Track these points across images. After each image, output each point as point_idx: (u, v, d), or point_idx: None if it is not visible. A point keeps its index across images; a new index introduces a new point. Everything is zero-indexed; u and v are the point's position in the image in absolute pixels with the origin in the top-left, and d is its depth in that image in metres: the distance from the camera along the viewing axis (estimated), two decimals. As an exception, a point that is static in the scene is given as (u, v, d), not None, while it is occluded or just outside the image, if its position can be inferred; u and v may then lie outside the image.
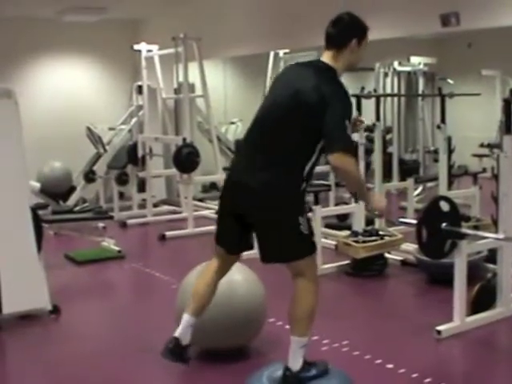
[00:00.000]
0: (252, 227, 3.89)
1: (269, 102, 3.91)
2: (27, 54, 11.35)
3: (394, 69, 12.40)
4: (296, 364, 3.84)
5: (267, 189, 3.72)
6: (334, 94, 3.65)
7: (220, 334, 4.56)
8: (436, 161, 9.76)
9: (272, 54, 11.16)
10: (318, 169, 10.29)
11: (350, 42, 3.80)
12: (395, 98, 12.44)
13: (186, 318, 4.03)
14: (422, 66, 12.63)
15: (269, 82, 11.06)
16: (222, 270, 4.12)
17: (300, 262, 3.82)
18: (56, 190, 10.35)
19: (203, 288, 4.07)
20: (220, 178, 9.48)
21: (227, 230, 4.00)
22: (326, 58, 3.84)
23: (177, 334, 4.01)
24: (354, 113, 4.12)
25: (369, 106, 8.45)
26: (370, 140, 9.26)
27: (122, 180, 10.60)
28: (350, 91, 8.35)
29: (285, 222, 3.77)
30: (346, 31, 3.85)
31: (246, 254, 6.34)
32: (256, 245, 3.97)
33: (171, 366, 4.41)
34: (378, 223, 7.55)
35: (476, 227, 6.97)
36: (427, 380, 4.29)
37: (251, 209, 3.80)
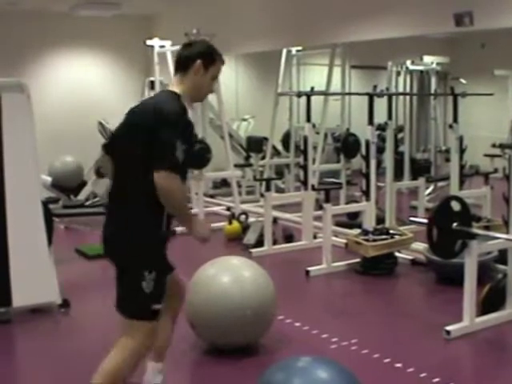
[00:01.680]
0: None
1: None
2: (41, 48, 11.40)
3: (407, 68, 12.38)
4: None
5: (114, 237, 3.66)
6: (169, 114, 3.40)
7: (229, 331, 4.56)
8: (447, 160, 9.73)
9: (285, 51, 11.14)
10: (329, 166, 10.30)
11: (194, 63, 3.57)
12: (407, 97, 12.42)
13: (151, 365, 4.00)
14: (434, 66, 12.60)
15: (281, 80, 11.05)
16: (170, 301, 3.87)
17: (132, 321, 3.54)
18: (67, 185, 10.37)
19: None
20: (231, 174, 9.49)
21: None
22: (173, 85, 3.65)
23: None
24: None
25: (381, 104, 8.43)
26: (382, 139, 9.27)
27: (133, 175, 10.60)
28: (363, 90, 8.34)
29: (127, 271, 3.57)
30: (193, 53, 3.60)
31: (255, 251, 6.37)
32: None
33: (180, 361, 4.43)
34: (389, 222, 7.55)
35: (487, 227, 6.95)
36: (435, 380, 4.28)
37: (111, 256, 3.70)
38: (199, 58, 3.57)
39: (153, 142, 3.34)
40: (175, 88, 3.59)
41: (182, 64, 3.61)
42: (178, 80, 3.61)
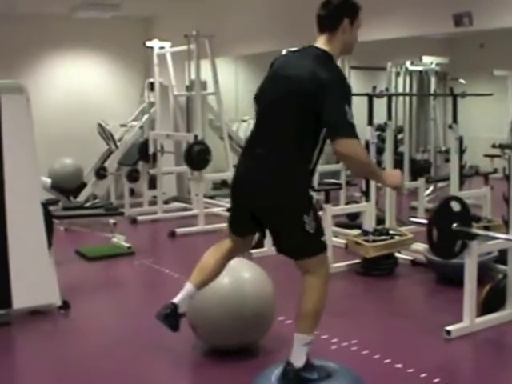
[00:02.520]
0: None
1: (266, 97, 3.84)
2: (40, 50, 11.40)
3: (406, 68, 12.37)
4: (298, 361, 3.77)
5: (268, 185, 3.68)
6: (331, 81, 3.56)
7: (229, 332, 4.56)
8: (447, 161, 9.74)
9: (284, 52, 11.14)
10: (329, 167, 10.29)
11: (341, 23, 3.69)
12: (407, 98, 12.41)
13: (190, 287, 3.97)
14: (434, 66, 12.59)
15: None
16: (234, 251, 4.07)
17: (307, 261, 3.76)
18: (67, 186, 10.38)
19: (213, 263, 4.01)
20: (231, 175, 9.48)
21: (239, 222, 3.96)
22: (320, 43, 3.75)
23: (176, 300, 3.93)
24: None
25: (380, 105, 8.44)
26: (382, 139, 9.26)
27: (133, 177, 10.63)
28: (362, 90, 8.34)
29: (287, 221, 3.71)
30: (337, 12, 3.71)
31: (255, 252, 6.36)
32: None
33: (181, 362, 4.43)
34: (389, 222, 7.56)
35: (487, 228, 6.94)
36: (436, 380, 4.28)
37: (256, 206, 3.77)
38: (346, 17, 3.69)
39: (319, 110, 3.52)
40: (325, 47, 3.70)
41: (329, 23, 3.71)
42: (325, 39, 3.73)
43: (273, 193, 3.67)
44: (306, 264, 3.78)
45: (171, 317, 3.92)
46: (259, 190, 3.70)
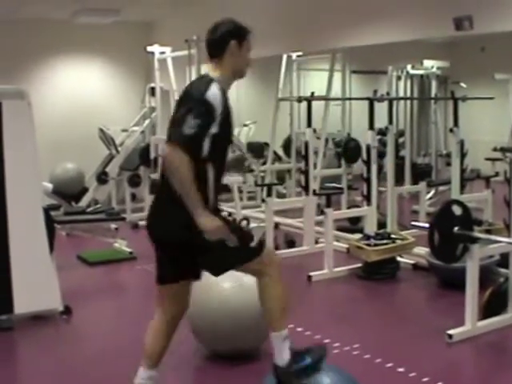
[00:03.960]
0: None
1: None
2: (41, 55, 11.41)
3: (407, 72, 12.39)
4: (283, 359, 3.71)
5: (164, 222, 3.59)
6: (190, 94, 3.53)
7: (230, 337, 4.56)
8: (448, 164, 9.74)
9: (285, 56, 11.15)
10: (330, 171, 10.28)
11: (228, 46, 3.68)
12: (408, 102, 12.43)
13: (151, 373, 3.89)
14: (434, 70, 12.60)
15: (282, 85, 11.05)
16: (173, 315, 3.92)
17: (247, 266, 3.69)
18: (68, 191, 10.38)
19: (152, 340, 3.91)
20: (232, 180, 9.48)
21: (173, 262, 3.77)
22: (209, 69, 3.71)
23: None
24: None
25: (381, 109, 8.44)
26: (383, 143, 9.26)
27: (135, 181, 10.63)
28: (363, 94, 8.33)
29: (209, 247, 3.54)
30: (223, 36, 3.73)
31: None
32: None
33: (181, 367, 4.43)
34: (390, 226, 7.56)
35: (488, 231, 6.94)
36: (438, 384, 4.29)
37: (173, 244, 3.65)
38: (232, 39, 3.70)
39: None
40: (212, 73, 3.64)
41: (216, 48, 3.69)
42: (214, 65, 3.67)
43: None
44: (248, 270, 3.73)
45: None
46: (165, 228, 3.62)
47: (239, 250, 3.63)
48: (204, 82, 3.57)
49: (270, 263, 3.71)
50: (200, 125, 3.38)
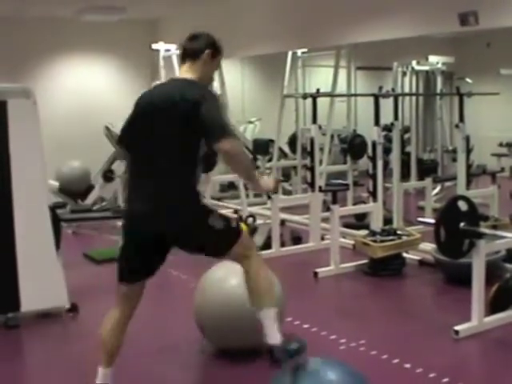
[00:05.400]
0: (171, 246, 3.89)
1: (143, 135, 3.85)
2: (46, 53, 11.42)
3: (412, 68, 12.36)
4: (276, 338, 3.71)
5: (170, 210, 3.68)
6: (202, 95, 3.65)
7: (237, 334, 4.56)
8: (454, 160, 9.72)
9: (290, 53, 11.14)
10: (336, 168, 10.27)
11: (203, 54, 3.88)
12: (413, 98, 12.41)
13: (106, 371, 3.96)
14: (440, 66, 12.58)
15: (287, 82, 11.04)
16: (126, 312, 4.14)
17: (234, 250, 3.80)
18: (74, 189, 10.38)
19: (110, 337, 4.06)
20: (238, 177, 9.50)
21: (139, 257, 3.95)
22: (182, 72, 3.92)
23: None
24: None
25: (387, 105, 8.43)
26: (389, 139, 9.26)
27: (140, 179, 10.61)
28: (369, 91, 8.29)
29: (200, 232, 3.74)
30: (201, 44, 3.92)
31: (263, 253, 6.33)
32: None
33: (189, 364, 4.44)
34: (396, 222, 7.55)
35: (494, 227, 6.94)
36: (444, 380, 4.28)
37: (166, 232, 3.76)
38: (208, 49, 3.89)
39: (195, 122, 3.57)
40: (186, 76, 3.85)
41: (192, 54, 3.90)
42: (186, 69, 3.89)
43: (174, 214, 3.70)
44: (235, 253, 3.81)
45: None
46: (163, 216, 3.70)
47: (226, 232, 3.78)
48: (196, 84, 3.80)
49: (250, 246, 3.91)
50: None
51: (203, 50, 3.88)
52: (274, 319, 3.78)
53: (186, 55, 3.91)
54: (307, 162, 8.39)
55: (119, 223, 8.34)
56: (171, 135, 3.67)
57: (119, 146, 4.05)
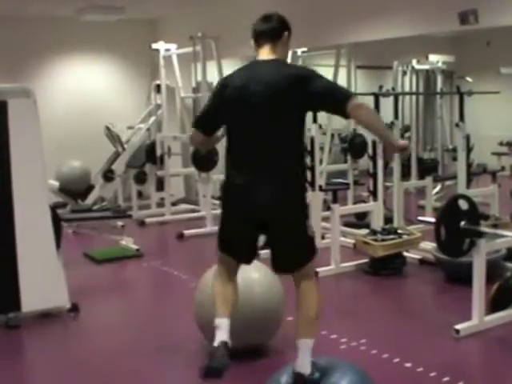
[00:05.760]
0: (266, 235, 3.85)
1: (245, 118, 3.76)
2: (46, 53, 11.42)
3: (413, 67, 12.37)
4: (307, 368, 3.71)
5: (281, 200, 3.67)
6: (306, 70, 3.78)
7: (238, 333, 4.55)
8: (455, 159, 9.72)
9: (290, 52, 11.13)
10: (337, 167, 10.26)
11: (283, 35, 3.86)
12: (413, 97, 12.42)
13: (226, 321, 3.84)
14: (440, 64, 12.58)
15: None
16: (234, 275, 4.01)
17: (309, 265, 3.81)
18: (75, 189, 10.39)
19: (232, 290, 3.95)
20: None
21: (240, 241, 3.90)
22: (264, 55, 3.87)
23: (225, 338, 3.77)
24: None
25: (387, 104, 8.43)
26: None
27: (141, 179, 10.64)
28: (369, 90, 8.32)
29: (298, 229, 3.75)
30: (280, 25, 3.90)
31: (263, 252, 6.36)
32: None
33: (190, 363, 4.44)
34: (397, 221, 7.55)
35: (495, 226, 6.93)
36: (445, 379, 4.28)
37: (269, 220, 3.72)
38: (286, 30, 3.88)
39: (313, 96, 3.64)
40: (270, 57, 3.84)
41: (272, 36, 3.86)
42: (268, 51, 3.86)
43: (284, 206, 3.70)
44: (306, 269, 3.80)
45: (227, 354, 3.75)
46: (273, 205, 3.68)
47: (311, 242, 3.80)
48: (290, 64, 4.07)
49: (314, 269, 3.95)
50: None
51: (283, 30, 3.87)
52: (310, 350, 3.75)
53: (265, 37, 3.86)
54: (307, 161, 8.38)
55: (119, 223, 8.37)
56: (280, 118, 3.67)
57: (195, 130, 4.02)
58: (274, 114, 3.65)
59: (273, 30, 3.85)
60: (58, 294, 5.62)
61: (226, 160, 3.84)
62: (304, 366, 3.71)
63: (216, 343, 3.74)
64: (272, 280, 4.78)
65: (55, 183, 9.96)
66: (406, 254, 6.98)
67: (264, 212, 3.68)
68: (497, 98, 10.56)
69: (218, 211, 3.97)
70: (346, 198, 9.33)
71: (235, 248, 3.90)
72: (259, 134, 3.68)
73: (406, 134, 11.55)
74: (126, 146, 10.66)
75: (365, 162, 8.84)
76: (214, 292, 3.97)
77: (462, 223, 5.01)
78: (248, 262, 3.99)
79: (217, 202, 10.77)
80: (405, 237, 6.87)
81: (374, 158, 7.35)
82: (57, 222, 5.82)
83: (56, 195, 9.85)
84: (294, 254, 3.78)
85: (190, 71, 10.06)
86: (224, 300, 3.90)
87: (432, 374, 4.35)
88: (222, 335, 3.76)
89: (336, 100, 3.62)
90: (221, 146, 9.51)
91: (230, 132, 3.83)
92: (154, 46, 10.38)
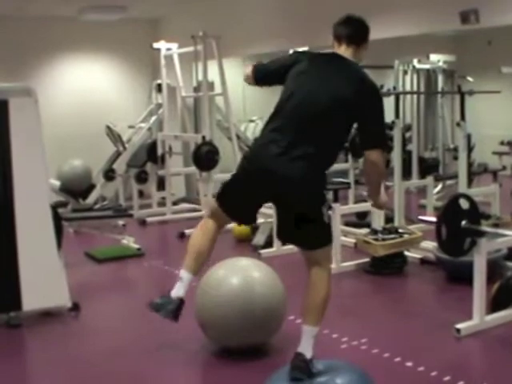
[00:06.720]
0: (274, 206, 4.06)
1: (305, 92, 3.88)
2: (47, 52, 11.42)
3: (414, 66, 12.35)
4: (308, 352, 3.82)
5: (303, 179, 3.74)
6: (373, 93, 3.84)
7: (239, 332, 4.57)
8: (456, 158, 9.73)
9: (291, 51, 11.13)
10: (337, 166, 10.25)
11: (365, 41, 4.02)
12: (414, 96, 12.39)
13: (189, 276, 3.97)
14: (441, 64, 12.56)
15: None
16: (218, 230, 4.12)
17: (320, 251, 3.90)
18: (76, 188, 10.39)
19: (209, 246, 4.06)
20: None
21: (242, 205, 3.99)
22: (347, 54, 3.98)
23: (181, 293, 3.93)
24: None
25: (388, 103, 8.41)
26: (390, 138, 9.24)
27: (142, 178, 10.64)
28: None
29: (312, 213, 3.85)
30: (364, 30, 4.05)
31: (264, 252, 6.34)
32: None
33: (190, 362, 4.45)
34: (398, 221, 7.55)
35: (496, 225, 6.93)
36: (446, 378, 4.28)
37: (282, 195, 3.82)
38: (368, 36, 4.05)
39: (361, 117, 3.78)
40: (353, 59, 3.98)
41: (358, 39, 4.03)
42: (352, 52, 4.00)
43: (305, 185, 3.80)
44: (318, 255, 3.90)
45: (179, 309, 3.94)
46: (293, 181, 3.75)
47: (326, 229, 3.93)
48: (364, 73, 3.91)
49: (330, 259, 4.07)
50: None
51: (366, 39, 4.02)
52: (314, 337, 3.85)
53: (350, 40, 4.00)
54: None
55: (120, 222, 8.37)
56: (336, 109, 3.77)
57: (254, 72, 4.31)
58: (334, 109, 3.77)
59: (359, 37, 4.03)
60: (59, 293, 5.62)
61: (267, 121, 3.98)
62: (305, 349, 3.83)
63: (172, 294, 3.91)
64: (273, 279, 4.79)
65: (56, 182, 9.96)
66: (406, 253, 6.98)
67: (285, 183, 3.75)
68: (498, 97, 10.56)
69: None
70: (347, 197, 9.32)
71: (238, 206, 3.99)
72: (314, 117, 3.79)
73: (407, 134, 11.53)
74: (126, 145, 10.67)
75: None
76: (191, 241, 4.08)
77: (463, 223, 5.01)
78: (245, 222, 4.25)
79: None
80: (406, 236, 6.87)
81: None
82: (58, 221, 5.82)
83: (57, 194, 9.85)
84: (307, 234, 3.90)
85: (191, 70, 10.06)
86: (198, 255, 4.01)
87: (433, 374, 4.35)
88: (179, 290, 3.92)
89: (367, 137, 3.79)
90: (220, 146, 9.53)
91: (285, 97, 4.02)
92: (155, 45, 10.37)
